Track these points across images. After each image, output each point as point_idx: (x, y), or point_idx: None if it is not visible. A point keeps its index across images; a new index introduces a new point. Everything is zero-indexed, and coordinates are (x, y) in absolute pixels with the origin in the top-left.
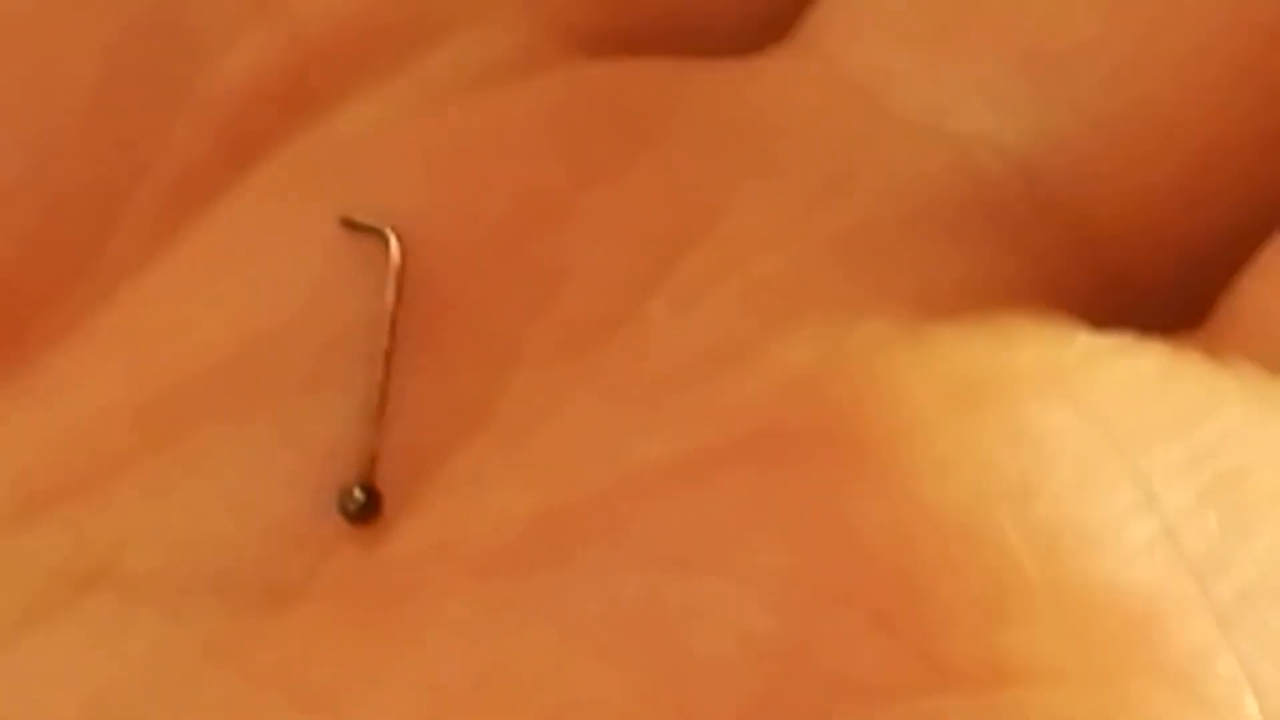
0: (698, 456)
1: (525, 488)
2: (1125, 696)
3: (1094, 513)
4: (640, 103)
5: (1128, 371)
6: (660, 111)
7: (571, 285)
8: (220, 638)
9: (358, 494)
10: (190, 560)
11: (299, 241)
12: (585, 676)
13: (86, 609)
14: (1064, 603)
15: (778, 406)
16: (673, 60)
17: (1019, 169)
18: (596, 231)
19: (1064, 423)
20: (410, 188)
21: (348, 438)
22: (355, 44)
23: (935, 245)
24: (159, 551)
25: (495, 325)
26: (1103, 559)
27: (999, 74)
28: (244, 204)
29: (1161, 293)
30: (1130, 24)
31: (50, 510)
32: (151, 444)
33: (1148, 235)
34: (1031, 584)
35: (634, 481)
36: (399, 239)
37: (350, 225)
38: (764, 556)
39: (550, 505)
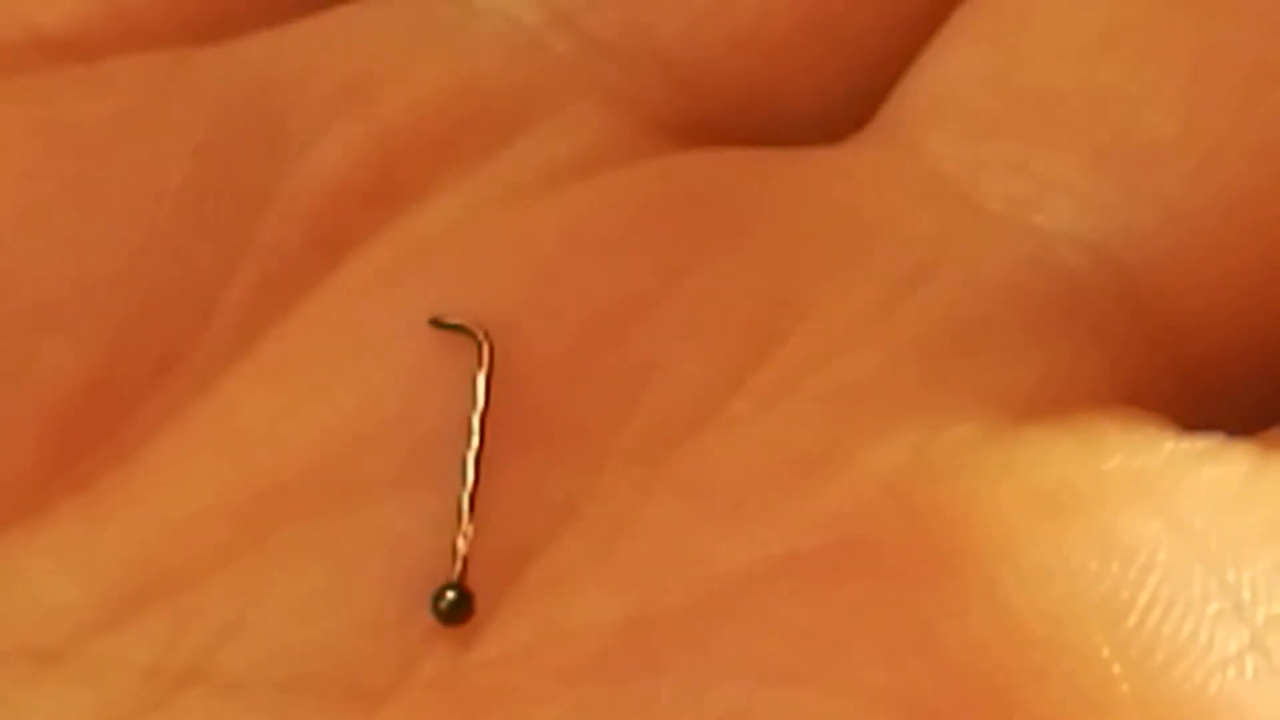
0: (786, 565)
1: (614, 593)
2: None
3: (1184, 625)
4: (724, 195)
5: (1215, 478)
6: (744, 204)
7: (657, 385)
8: None
9: (450, 594)
10: (283, 660)
11: (388, 341)
12: None
13: (181, 709)
14: (1156, 716)
15: (866, 515)
16: (754, 150)
17: (1101, 263)
18: (682, 330)
19: (1153, 533)
20: (498, 286)
21: (439, 538)
22: (439, 138)
23: (1018, 342)
24: (253, 651)
25: (582, 425)
26: (1193, 671)
27: (1081, 168)
28: (333, 302)
29: (1246, 387)
30: (1209, 119)
31: (146, 608)
32: (245, 544)
33: (1230, 328)
34: (1123, 698)
35: (722, 590)
36: (488, 338)
37: (439, 325)
38: (855, 670)
39: (639, 612)
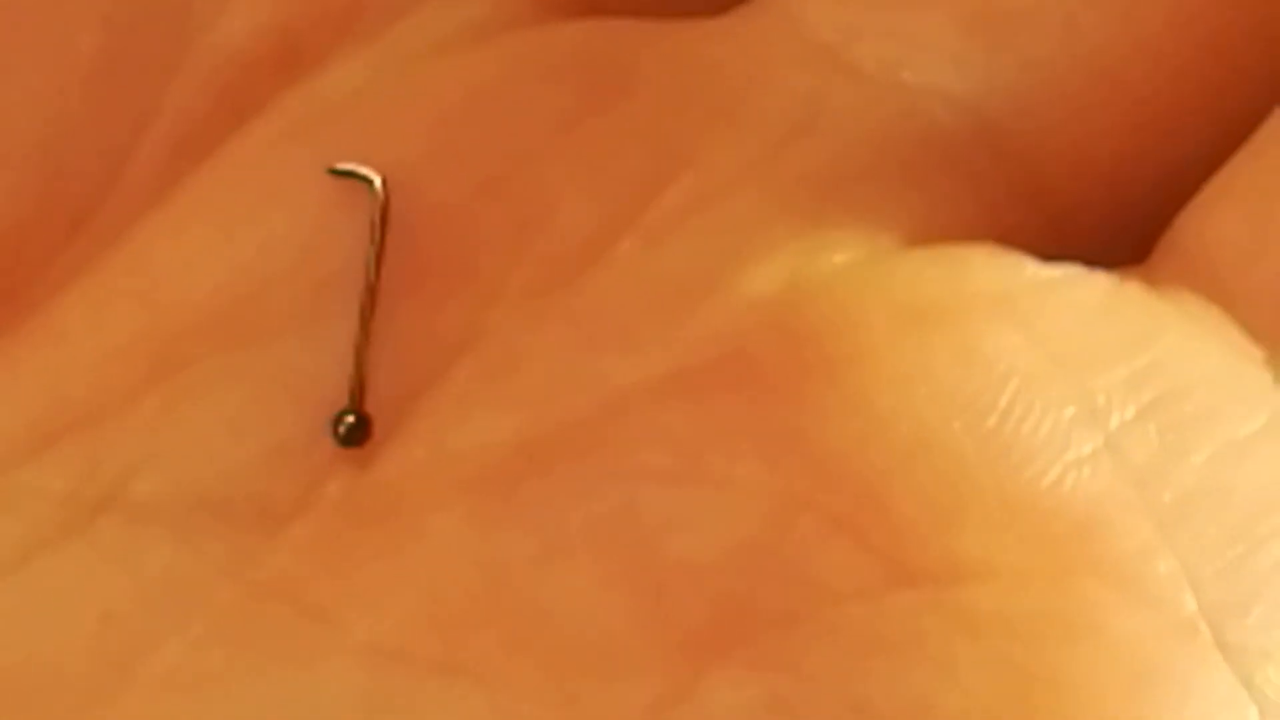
0: (671, 379)
1: (508, 411)
2: (1070, 592)
3: (1041, 426)
4: (612, 57)
5: (1073, 299)
6: (631, 65)
7: (548, 226)
8: (224, 555)
9: (349, 420)
10: (194, 485)
11: (291, 190)
12: (568, 581)
13: (98, 532)
14: (1014, 508)
15: (744, 333)
16: (641, 20)
17: (970, 118)
18: (571, 179)
19: (1013, 344)
20: (395, 139)
21: (339, 371)
22: (339, 9)
23: (891, 188)
24: (165, 478)
25: (477, 264)
26: (1050, 468)
27: (951, 30)
28: (238, 156)
29: (1106, 231)
30: None
31: (61, 441)
32: (155, 379)
33: (1093, 179)
34: (983, 490)
35: (608, 405)
36: (384, 185)
37: (338, 174)
38: (736, 469)
39: (532, 427)
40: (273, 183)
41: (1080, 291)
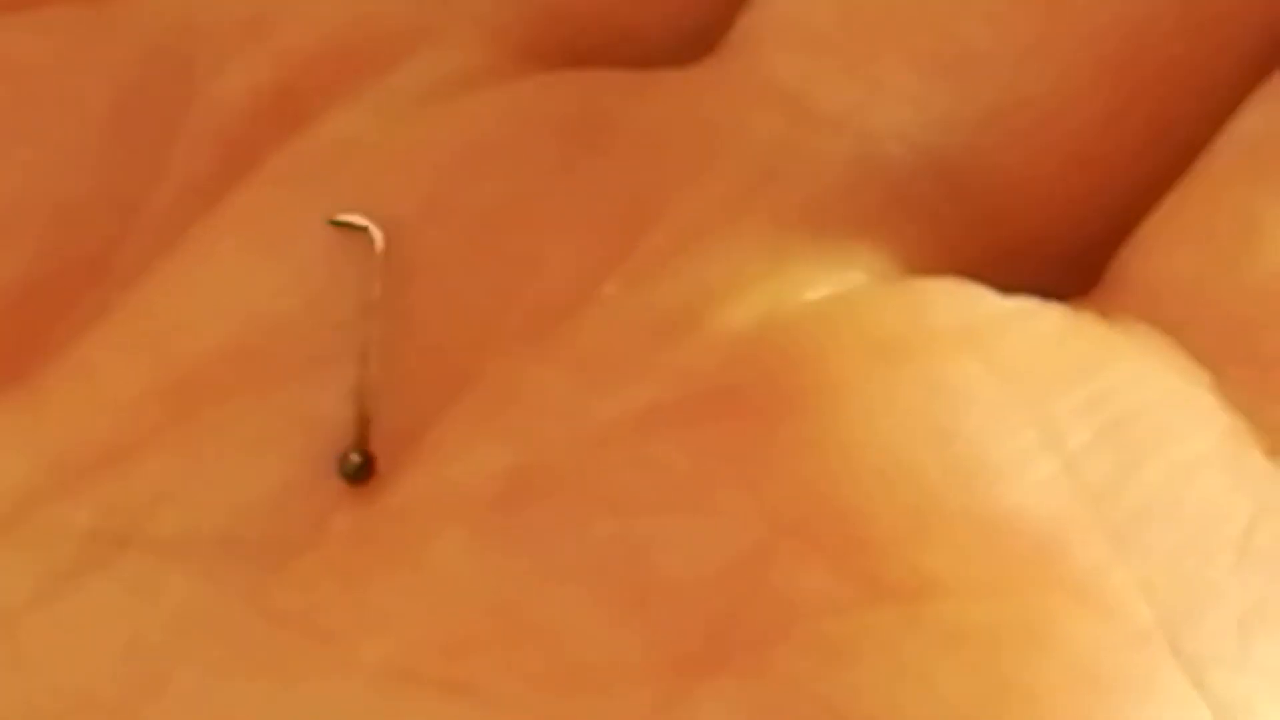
0: (652, 413)
1: (503, 445)
2: (1031, 604)
3: (1003, 451)
4: (589, 109)
5: (1030, 329)
6: (606, 117)
7: (538, 272)
8: (240, 587)
9: (354, 457)
10: (211, 523)
11: (294, 240)
12: (564, 602)
13: (119, 567)
14: (977, 528)
15: (723, 366)
16: (614, 71)
17: (928, 159)
18: (557, 225)
19: (975, 373)
20: (391, 190)
21: (345, 413)
22: (333, 64)
23: (856, 227)
24: (183, 515)
25: (472, 311)
26: (1010, 491)
27: (907, 75)
28: (242, 208)
29: (1060, 263)
30: (1019, 29)
31: (84, 481)
32: (171, 422)
33: (1046, 214)
34: (950, 513)
35: (597, 438)
36: (382, 235)
37: (337, 224)
38: (717, 496)
39: (525, 460)
40: (276, 233)
41: (1037, 322)
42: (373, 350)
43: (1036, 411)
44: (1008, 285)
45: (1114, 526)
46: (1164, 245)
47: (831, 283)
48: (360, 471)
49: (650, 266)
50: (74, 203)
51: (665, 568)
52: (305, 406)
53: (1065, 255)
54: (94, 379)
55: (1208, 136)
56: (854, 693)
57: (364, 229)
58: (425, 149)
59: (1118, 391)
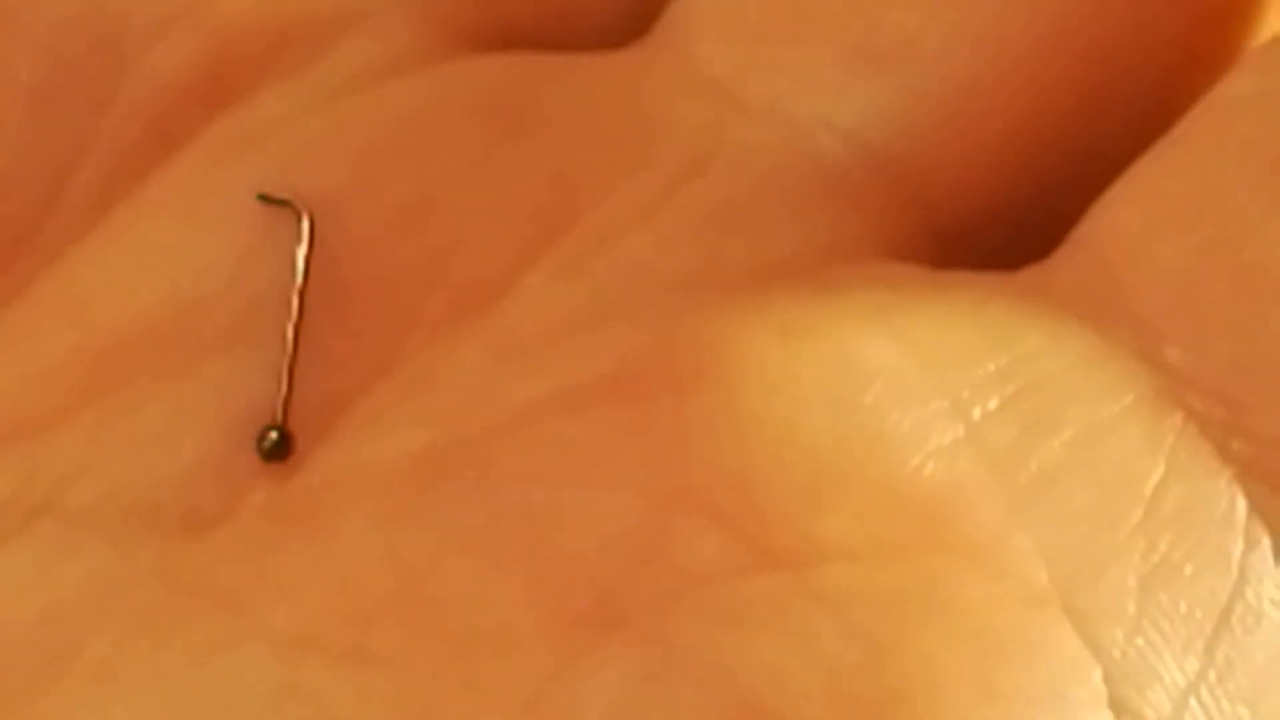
0: (562, 393)
1: (420, 426)
2: (925, 569)
3: (905, 421)
4: (518, 92)
5: (943, 305)
6: (536, 100)
7: (462, 257)
8: (153, 559)
9: (272, 435)
10: (126, 494)
11: (219, 216)
12: (469, 573)
13: (34, 536)
14: (873, 495)
15: (632, 352)
16: (545, 54)
17: (854, 144)
18: (483, 210)
19: (882, 349)
20: (319, 170)
21: (265, 391)
22: (264, 44)
23: (780, 214)
24: (98, 486)
25: (395, 291)
26: (908, 457)
27: (834, 63)
28: (169, 183)
29: (995, 237)
30: (945, 15)
31: (1, 449)
32: (90, 394)
33: (975, 193)
34: (844, 480)
35: (509, 419)
36: (310, 214)
37: (265, 200)
38: (619, 471)
39: (440, 438)
40: (202, 209)
41: (953, 297)
42: (296, 328)
43: (943, 382)
44: (939, 263)
45: (1015, 491)
46: (1115, 209)
47: (748, 272)
48: (277, 449)
49: (574, 260)
50: None
51: (563, 537)
52: (226, 382)
53: (1000, 228)
54: (15, 349)
55: (1147, 106)
56: (742, 656)
57: (289, 205)
58: (353, 129)
59: (1029, 361)
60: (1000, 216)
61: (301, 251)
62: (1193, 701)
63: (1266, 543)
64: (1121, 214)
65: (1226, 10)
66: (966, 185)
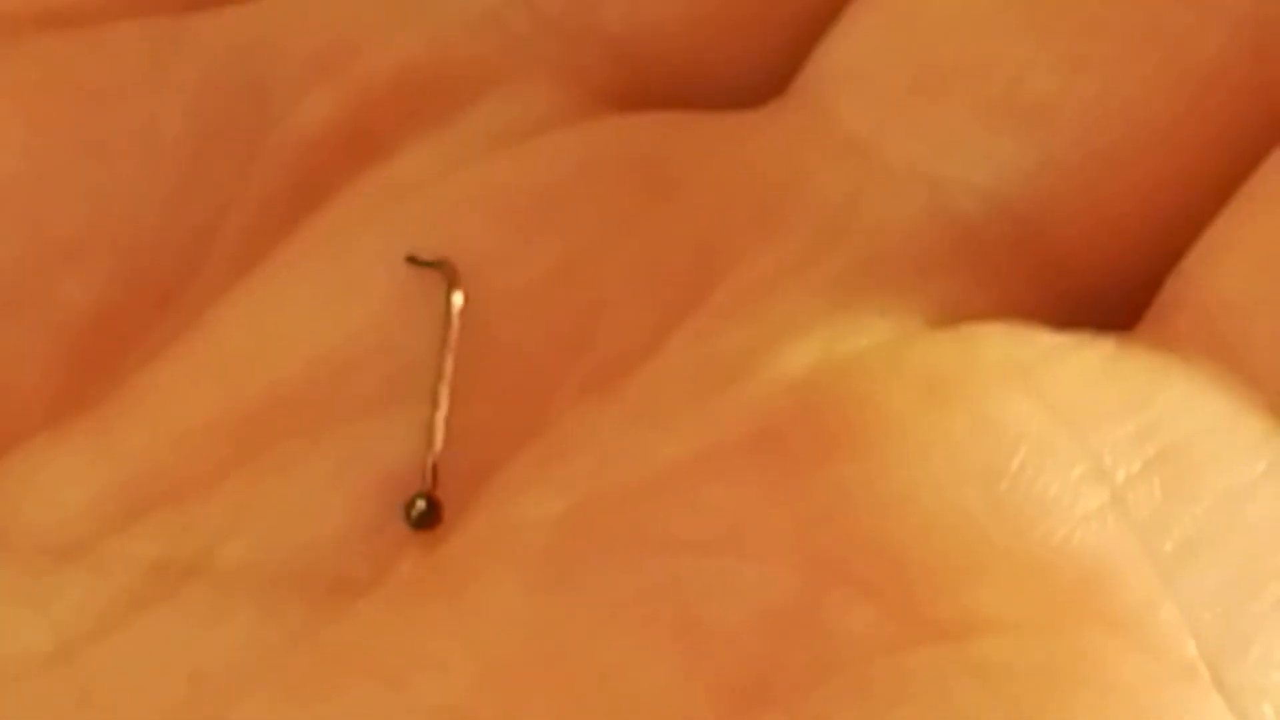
0: (706, 457)
1: (564, 492)
2: (1077, 641)
3: (1050, 486)
4: (660, 153)
5: (1080, 363)
6: (677, 162)
7: (606, 321)
8: (302, 624)
9: (420, 504)
10: (275, 558)
11: (367, 275)
12: (619, 647)
13: (185, 599)
14: (1024, 565)
15: (775, 411)
16: (686, 114)
17: (992, 207)
18: (625, 274)
19: (1023, 409)
20: (465, 231)
21: (412, 455)
22: (408, 99)
23: (917, 275)
24: (248, 549)
25: (540, 357)
26: (1057, 525)
27: (973, 125)
28: (316, 241)
29: (1114, 297)
30: (1085, 80)
31: (151, 511)
32: (240, 456)
33: (1105, 259)
34: (996, 550)
35: (652, 481)
36: (457, 276)
37: (416, 263)
38: (766, 539)
39: (585, 502)
40: (349, 268)
41: (1086, 355)
42: (443, 393)
43: (1085, 445)
44: (1062, 322)
45: (1160, 560)
46: (1215, 268)
47: (887, 330)
48: (426, 518)
49: (716, 320)
50: (145, 231)
51: (715, 611)
52: (374, 446)
53: (1121, 291)
54: (163, 409)
55: None
56: None
57: (442, 268)
58: (499, 189)
59: (1166, 421)
60: (1125, 280)
61: (453, 314)
62: None
63: None
64: (1222, 276)
65: None
66: (1095, 249)
